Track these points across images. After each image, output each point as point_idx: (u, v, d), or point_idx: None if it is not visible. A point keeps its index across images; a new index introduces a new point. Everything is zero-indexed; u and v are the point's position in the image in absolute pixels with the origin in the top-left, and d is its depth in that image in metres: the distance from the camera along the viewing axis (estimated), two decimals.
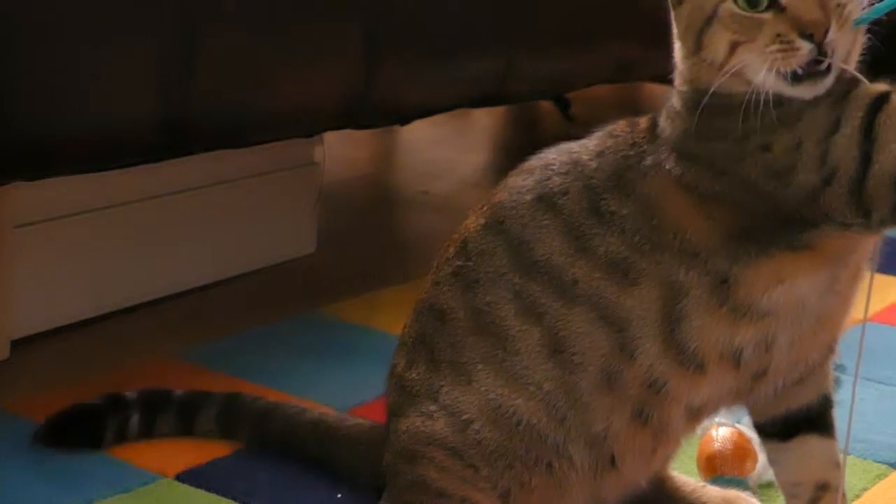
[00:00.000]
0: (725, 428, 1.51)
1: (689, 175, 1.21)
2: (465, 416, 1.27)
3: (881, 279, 1.28)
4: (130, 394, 1.59)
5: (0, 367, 1.79)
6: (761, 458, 1.45)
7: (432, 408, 1.29)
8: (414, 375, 1.31)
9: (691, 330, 1.22)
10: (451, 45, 1.96)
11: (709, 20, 1.18)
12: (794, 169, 1.17)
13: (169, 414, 1.59)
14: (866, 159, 1.15)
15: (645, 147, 1.25)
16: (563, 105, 3.35)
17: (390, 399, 1.36)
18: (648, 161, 1.24)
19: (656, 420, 1.25)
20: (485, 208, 1.32)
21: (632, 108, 3.41)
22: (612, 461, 1.27)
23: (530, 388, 1.25)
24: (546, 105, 3.46)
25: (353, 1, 1.79)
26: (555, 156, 1.31)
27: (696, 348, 1.22)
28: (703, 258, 1.21)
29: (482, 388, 1.27)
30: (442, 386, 1.29)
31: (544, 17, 2.09)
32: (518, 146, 3.30)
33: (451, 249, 1.32)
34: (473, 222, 1.32)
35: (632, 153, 1.25)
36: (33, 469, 1.51)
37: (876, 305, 1.31)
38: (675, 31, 1.24)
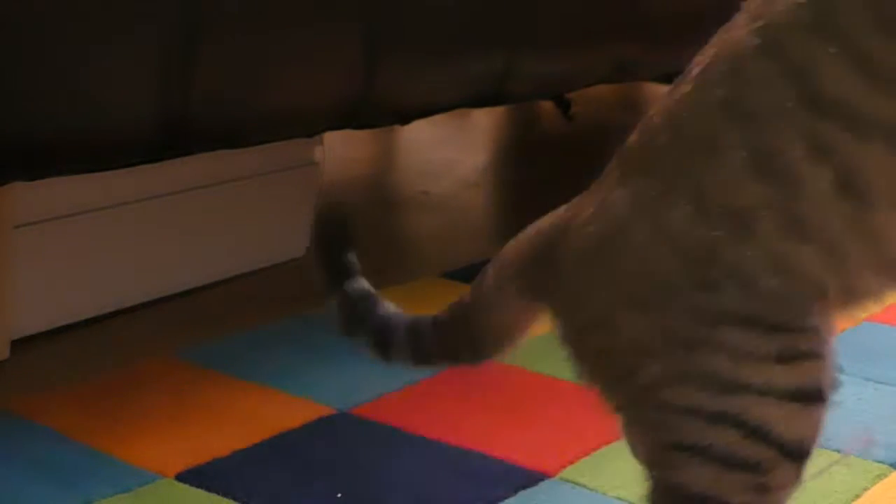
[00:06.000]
0: None
1: None
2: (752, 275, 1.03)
3: None
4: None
5: (0, 367, 1.79)
6: None
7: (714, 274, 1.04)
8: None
9: None
10: (451, 45, 1.96)
11: None
12: None
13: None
14: None
15: None
16: (563, 105, 3.35)
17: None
18: None
19: None
20: (754, 24, 1.05)
21: (632, 108, 3.42)
22: None
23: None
24: (546, 105, 3.46)
25: (352, 1, 1.79)
26: None
27: None
28: None
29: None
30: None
31: (544, 17, 2.09)
32: (518, 146, 3.30)
33: (713, 68, 1.07)
34: (743, 40, 1.05)
35: None
36: (33, 469, 1.51)
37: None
38: None
